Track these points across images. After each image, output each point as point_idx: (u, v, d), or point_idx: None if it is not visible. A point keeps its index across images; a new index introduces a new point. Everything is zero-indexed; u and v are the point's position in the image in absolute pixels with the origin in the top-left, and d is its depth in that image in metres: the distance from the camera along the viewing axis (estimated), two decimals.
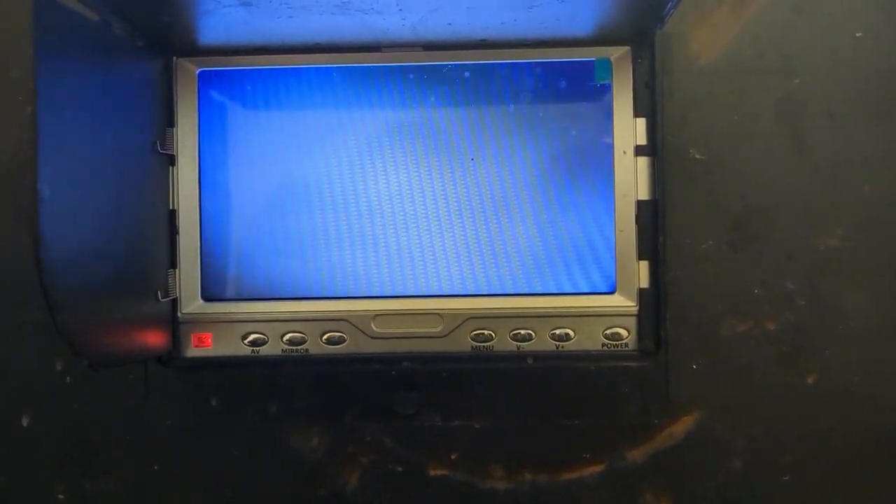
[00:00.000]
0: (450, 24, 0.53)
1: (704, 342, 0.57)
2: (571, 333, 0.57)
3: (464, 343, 0.57)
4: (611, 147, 0.57)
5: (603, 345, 0.57)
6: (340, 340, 0.57)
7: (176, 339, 0.58)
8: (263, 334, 0.57)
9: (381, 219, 0.58)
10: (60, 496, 0.59)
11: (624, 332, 0.57)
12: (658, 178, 0.56)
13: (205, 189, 0.58)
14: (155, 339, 0.55)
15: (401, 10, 0.50)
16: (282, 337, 0.57)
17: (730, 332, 0.57)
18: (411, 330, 0.57)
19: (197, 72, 0.58)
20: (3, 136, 0.58)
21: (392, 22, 0.52)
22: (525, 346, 0.57)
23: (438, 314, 0.57)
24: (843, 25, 0.57)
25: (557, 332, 0.57)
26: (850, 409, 0.57)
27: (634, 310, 0.57)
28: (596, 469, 0.58)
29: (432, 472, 0.58)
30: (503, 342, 0.57)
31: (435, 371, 0.57)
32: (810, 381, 0.57)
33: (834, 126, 0.57)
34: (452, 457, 0.58)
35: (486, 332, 0.57)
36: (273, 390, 0.58)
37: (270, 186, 0.58)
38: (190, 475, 0.58)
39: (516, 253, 0.58)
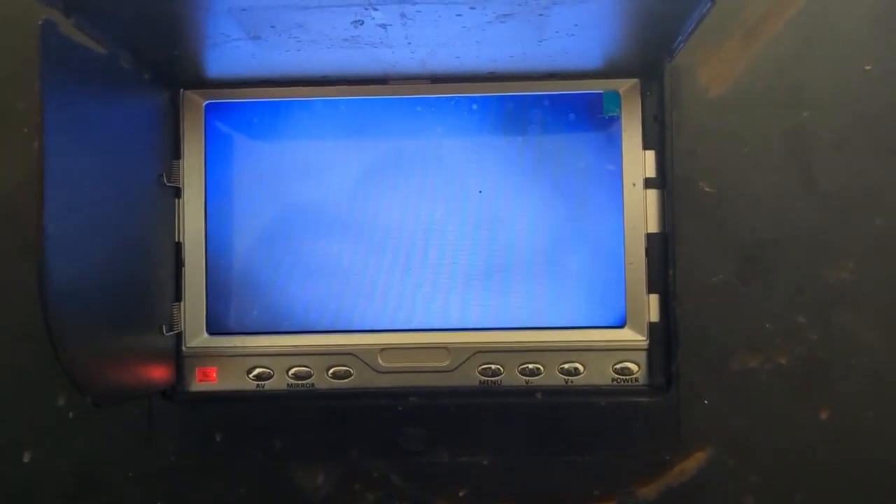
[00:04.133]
0: (458, 57, 0.52)
1: (716, 377, 0.56)
2: (581, 368, 0.56)
3: (472, 377, 0.56)
4: (620, 179, 0.57)
5: (613, 379, 0.56)
6: (346, 375, 0.57)
7: (180, 374, 0.57)
8: (269, 368, 0.57)
9: (389, 251, 0.57)
10: None
11: (634, 367, 0.56)
12: (668, 210, 0.55)
13: (211, 221, 0.57)
14: (159, 373, 0.55)
15: (409, 43, 0.50)
16: (287, 371, 0.57)
17: (741, 366, 0.56)
18: (418, 364, 0.56)
19: (204, 104, 0.57)
20: (9, 166, 0.58)
21: (401, 55, 0.52)
22: (533, 380, 0.56)
23: (446, 348, 0.56)
24: (851, 58, 0.57)
25: (566, 366, 0.56)
26: (863, 445, 0.56)
27: (644, 344, 0.56)
28: None
29: None
30: (511, 376, 0.56)
31: (442, 406, 0.56)
32: (823, 416, 0.56)
33: (843, 158, 0.57)
34: (461, 494, 0.57)
35: (494, 366, 0.56)
36: (278, 425, 0.57)
37: (277, 219, 0.57)
38: None
39: (524, 286, 0.57)
